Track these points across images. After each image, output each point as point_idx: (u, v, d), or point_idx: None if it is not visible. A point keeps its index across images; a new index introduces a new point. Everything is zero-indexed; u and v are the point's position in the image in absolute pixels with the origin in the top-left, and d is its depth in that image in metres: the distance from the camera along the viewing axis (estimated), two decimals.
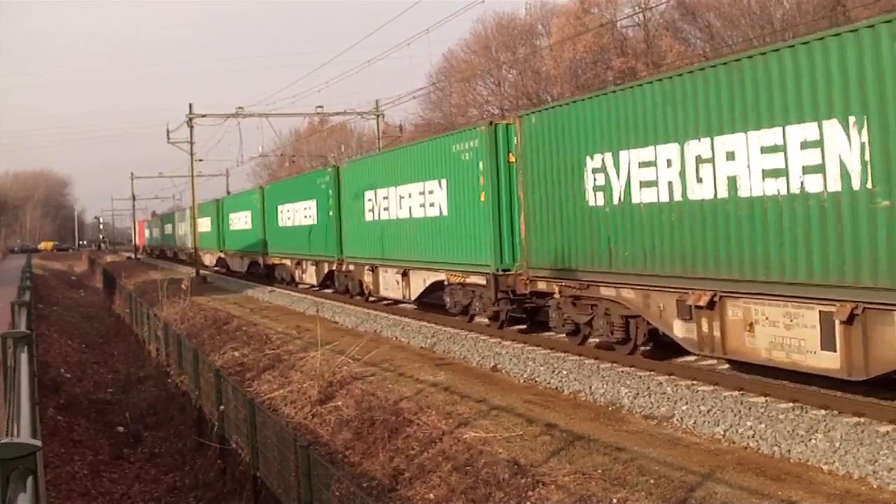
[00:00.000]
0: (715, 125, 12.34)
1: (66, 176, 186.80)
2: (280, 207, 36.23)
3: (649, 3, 52.39)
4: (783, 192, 11.17)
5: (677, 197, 13.12)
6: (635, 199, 14.04)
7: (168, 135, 48.42)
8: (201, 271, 46.82)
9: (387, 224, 24.47)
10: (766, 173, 11.42)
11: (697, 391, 12.18)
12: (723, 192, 12.20)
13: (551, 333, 17.59)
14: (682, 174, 12.97)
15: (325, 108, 47.80)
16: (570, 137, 15.77)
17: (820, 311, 10.75)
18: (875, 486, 8.68)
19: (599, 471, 9.43)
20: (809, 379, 11.55)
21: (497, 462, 9.96)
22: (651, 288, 13.77)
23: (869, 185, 10.07)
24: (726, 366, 13.67)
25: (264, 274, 39.43)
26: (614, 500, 8.63)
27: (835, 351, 10.53)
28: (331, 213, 29.05)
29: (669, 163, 13.26)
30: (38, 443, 4.56)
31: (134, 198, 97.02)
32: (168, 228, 77.36)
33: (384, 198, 24.62)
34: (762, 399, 11.48)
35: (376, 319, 23.14)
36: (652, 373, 13.67)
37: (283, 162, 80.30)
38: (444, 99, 68.69)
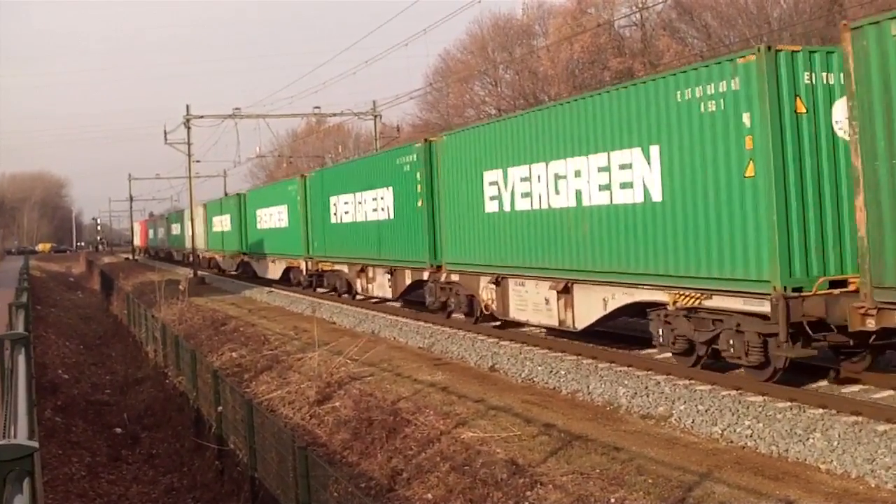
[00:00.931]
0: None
1: (63, 177, 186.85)
2: (334, 199, 29.27)
3: (646, 3, 52.40)
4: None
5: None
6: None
7: (165, 136, 48.52)
8: (199, 272, 46.78)
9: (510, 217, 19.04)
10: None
11: (695, 391, 12.18)
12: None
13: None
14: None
15: (323, 109, 47.87)
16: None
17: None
18: (873, 485, 8.69)
19: (597, 470, 9.44)
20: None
21: (495, 462, 9.96)
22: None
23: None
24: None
25: (306, 283, 33.15)
26: (612, 500, 8.63)
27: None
28: (420, 205, 22.24)
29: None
30: (36, 444, 4.55)
31: (132, 199, 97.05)
32: (175, 228, 70.14)
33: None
34: (760, 398, 11.47)
35: (374, 320, 23.13)
36: (650, 372, 13.67)
37: (281, 163, 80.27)
38: (440, 99, 68.72)
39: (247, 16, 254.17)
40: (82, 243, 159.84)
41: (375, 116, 48.49)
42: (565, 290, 15.83)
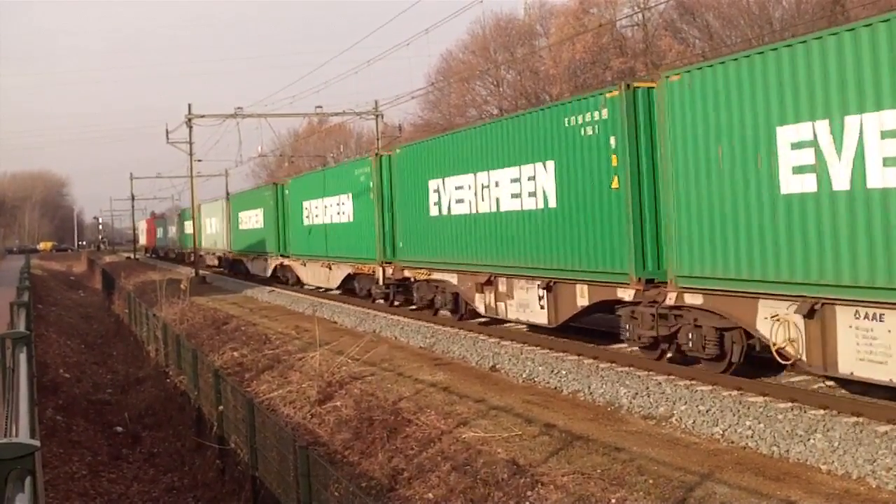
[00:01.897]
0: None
1: (64, 176, 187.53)
2: (433, 184, 21.55)
3: (648, 4, 52.41)
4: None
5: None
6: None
7: (167, 135, 48.45)
8: (200, 272, 46.71)
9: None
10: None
11: (696, 391, 12.19)
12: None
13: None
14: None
15: (325, 109, 47.85)
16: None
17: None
18: (874, 486, 8.69)
19: (598, 471, 9.44)
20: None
21: (496, 462, 9.97)
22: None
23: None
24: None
25: (382, 295, 25.70)
26: (613, 500, 8.63)
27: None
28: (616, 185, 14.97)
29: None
30: (37, 443, 4.56)
31: (133, 198, 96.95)
32: (189, 227, 59.27)
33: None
34: (761, 399, 11.49)
35: (375, 319, 23.14)
36: (651, 373, 13.69)
37: (282, 162, 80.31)
38: (442, 99, 68.72)
39: (248, 15, 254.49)
40: (84, 242, 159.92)
41: (377, 116, 48.51)
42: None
